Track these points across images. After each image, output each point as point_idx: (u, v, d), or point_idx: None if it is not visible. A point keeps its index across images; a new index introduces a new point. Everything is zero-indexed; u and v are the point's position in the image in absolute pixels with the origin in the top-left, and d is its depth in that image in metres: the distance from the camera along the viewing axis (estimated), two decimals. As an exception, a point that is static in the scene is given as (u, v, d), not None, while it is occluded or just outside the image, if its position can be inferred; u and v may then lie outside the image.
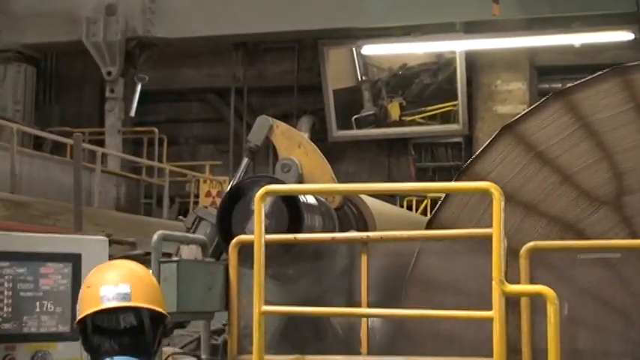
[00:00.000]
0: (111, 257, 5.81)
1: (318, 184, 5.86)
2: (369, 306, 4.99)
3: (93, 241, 5.75)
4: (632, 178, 5.25)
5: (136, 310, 3.74)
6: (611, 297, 5.11)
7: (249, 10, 17.26)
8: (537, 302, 4.47)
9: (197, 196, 18.44)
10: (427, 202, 17.13)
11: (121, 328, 3.74)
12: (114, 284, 3.75)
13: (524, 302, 4.78)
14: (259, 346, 4.35)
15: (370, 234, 5.46)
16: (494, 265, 4.00)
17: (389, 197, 13.62)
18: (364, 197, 6.48)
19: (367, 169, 19.73)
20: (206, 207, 6.64)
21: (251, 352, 4.44)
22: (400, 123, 19.21)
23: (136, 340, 3.74)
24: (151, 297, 3.80)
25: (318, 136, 18.81)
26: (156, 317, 3.82)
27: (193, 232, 6.18)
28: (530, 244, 4.82)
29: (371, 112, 19.29)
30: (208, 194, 18.07)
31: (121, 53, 17.89)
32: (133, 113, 18.20)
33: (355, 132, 19.37)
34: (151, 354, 3.82)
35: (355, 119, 19.34)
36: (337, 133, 19.24)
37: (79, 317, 3.75)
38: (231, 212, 5.63)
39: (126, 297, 3.72)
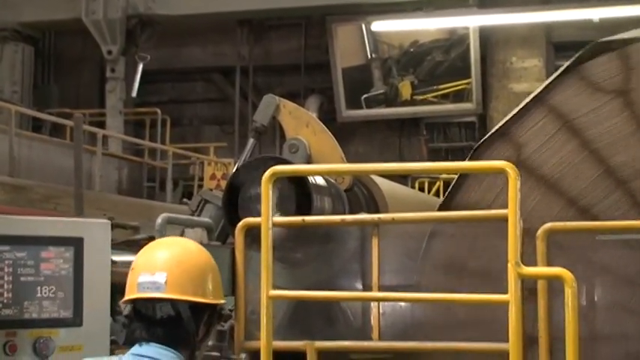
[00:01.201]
0: (113, 242, 5.94)
1: (326, 165, 5.75)
2: (382, 290, 4.95)
3: (95, 225, 5.80)
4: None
5: (172, 301, 3.67)
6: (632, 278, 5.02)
7: (254, -14, 17.12)
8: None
9: (201, 178, 18.30)
10: (440, 183, 16.83)
11: (157, 317, 3.69)
12: (151, 272, 3.70)
13: (541, 286, 4.67)
14: (267, 332, 4.21)
15: (381, 216, 5.35)
16: (510, 248, 3.90)
17: (400, 179, 13.48)
18: (375, 178, 6.39)
19: (377, 149, 19.56)
20: (211, 189, 6.73)
21: (259, 338, 4.29)
22: (411, 102, 19.02)
23: (172, 330, 3.69)
24: (189, 285, 3.71)
25: (327, 116, 18.62)
26: (198, 306, 3.72)
27: (198, 215, 6.19)
28: (547, 225, 4.71)
29: (381, 91, 19.10)
30: (213, 177, 17.94)
31: (122, 31, 17.83)
32: (134, 93, 18.18)
33: (365, 112, 19.21)
34: (194, 344, 3.75)
35: (365, 98, 19.15)
36: (346, 113, 19.08)
37: (123, 299, 3.74)
38: (238, 194, 5.54)
39: (160, 287, 3.67)
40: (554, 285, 4.57)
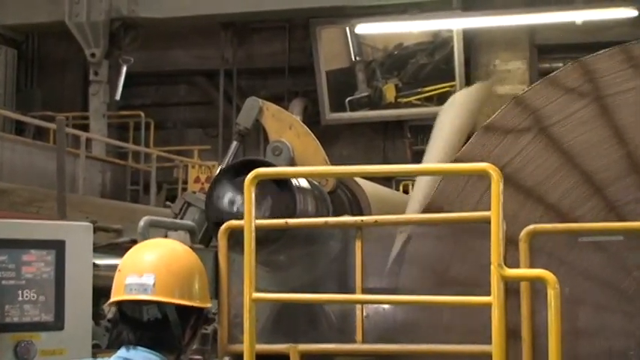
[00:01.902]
0: (95, 245, 5.91)
1: (310, 167, 5.81)
2: (365, 292, 4.96)
3: (77, 228, 5.75)
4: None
5: (160, 303, 3.63)
6: (614, 279, 5.11)
7: (238, -12, 17.06)
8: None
9: (185, 182, 18.29)
10: (424, 186, 16.74)
11: (144, 320, 3.64)
12: (138, 274, 3.66)
13: (524, 287, 4.73)
14: (250, 335, 4.21)
15: (364, 218, 5.40)
16: (493, 249, 3.91)
17: (385, 181, 13.42)
18: (359, 181, 6.40)
19: (362, 152, 19.55)
20: (194, 192, 6.67)
21: (242, 342, 4.30)
22: (396, 105, 19.00)
23: (159, 333, 3.65)
24: (177, 288, 3.68)
25: (311, 118, 18.57)
26: (185, 309, 3.68)
27: (181, 218, 6.22)
28: (530, 227, 4.76)
29: (365, 94, 19.07)
30: (197, 180, 17.89)
31: (105, 34, 17.69)
32: (118, 97, 18.11)
33: (349, 114, 19.16)
34: (180, 348, 3.71)
35: (349, 101, 19.12)
36: (330, 116, 19.03)
37: (109, 301, 3.71)
38: (221, 197, 5.59)
39: (148, 289, 3.62)
40: (536, 285, 4.59)
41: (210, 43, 20.00)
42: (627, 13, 15.71)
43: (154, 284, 3.61)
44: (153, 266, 3.66)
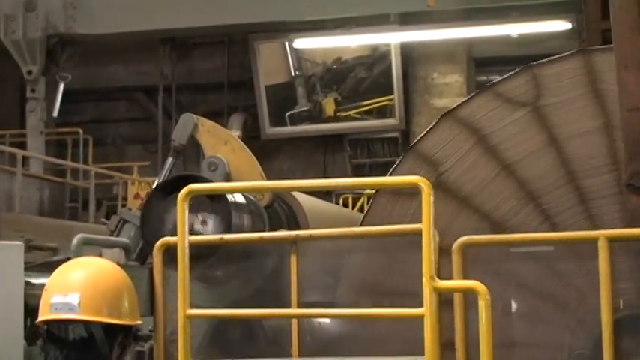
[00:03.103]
0: (28, 264, 5.68)
1: (245, 182, 5.80)
2: (303, 307, 5.02)
3: (7, 247, 5.46)
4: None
5: (86, 322, 3.65)
6: (545, 289, 5.23)
7: (176, 4, 16.97)
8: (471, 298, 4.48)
9: (125, 198, 18.08)
10: (364, 199, 16.83)
11: (70, 339, 3.68)
12: (64, 293, 3.68)
13: (457, 298, 4.82)
14: (185, 352, 4.25)
15: (299, 232, 5.42)
16: (425, 261, 3.98)
17: (325, 195, 13.43)
18: (297, 195, 6.37)
19: (302, 166, 19.47)
20: (130, 209, 6.63)
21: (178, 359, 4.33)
22: (335, 118, 19.02)
23: (85, 352, 3.67)
24: (104, 306, 3.71)
25: (251, 133, 18.54)
26: (112, 327, 3.71)
27: (117, 235, 6.25)
28: (463, 238, 4.85)
29: (305, 108, 19.06)
30: (137, 196, 17.69)
31: (42, 51, 17.49)
32: (55, 113, 17.86)
33: (289, 129, 19.13)
34: None
35: (289, 116, 19.08)
36: (270, 130, 18.96)
37: (36, 321, 3.74)
38: (156, 213, 5.65)
39: (73, 308, 3.64)
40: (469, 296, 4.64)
41: (149, 59, 19.86)
42: (561, 26, 15.92)
43: (79, 303, 3.62)
44: (79, 285, 3.67)
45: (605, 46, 5.64)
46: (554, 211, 5.37)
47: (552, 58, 5.65)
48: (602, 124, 5.45)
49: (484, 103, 5.56)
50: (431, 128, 5.59)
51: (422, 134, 5.62)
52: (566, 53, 5.69)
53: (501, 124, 5.51)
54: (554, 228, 5.31)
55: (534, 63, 5.68)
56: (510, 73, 5.65)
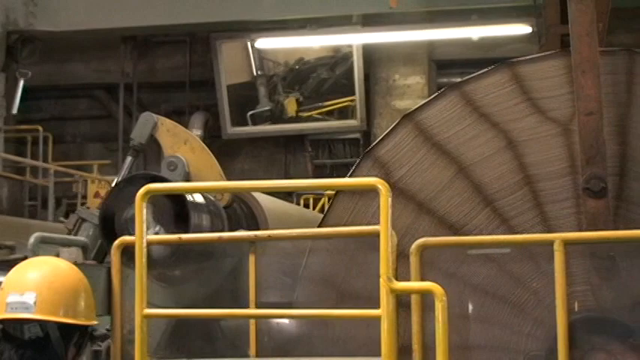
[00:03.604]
0: None
1: (204, 182, 5.82)
2: (261, 307, 5.04)
3: None
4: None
5: (41, 321, 3.64)
6: (502, 291, 5.25)
7: (138, 2, 16.83)
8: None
9: (85, 197, 17.96)
10: (325, 200, 16.87)
11: (25, 338, 3.65)
12: (20, 292, 3.66)
13: (414, 300, 4.84)
14: (142, 351, 4.25)
15: (258, 233, 5.47)
16: (382, 263, 3.99)
17: (286, 195, 13.44)
18: (258, 196, 6.36)
19: (263, 166, 19.50)
20: (88, 207, 6.59)
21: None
22: (297, 119, 19.01)
23: (41, 351, 3.64)
24: (60, 306, 3.69)
25: (212, 132, 18.58)
26: (68, 327, 3.70)
27: (75, 234, 6.22)
28: (420, 240, 4.88)
29: (267, 108, 19.04)
30: (97, 195, 17.58)
31: (2, 48, 17.27)
32: (15, 110, 17.67)
33: (251, 128, 19.10)
34: None
35: (250, 115, 19.05)
36: (232, 130, 18.91)
37: None
38: (115, 212, 5.62)
39: (29, 308, 3.62)
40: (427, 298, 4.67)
41: (111, 57, 19.77)
42: (521, 29, 15.99)
43: (35, 302, 3.60)
44: (35, 284, 3.66)
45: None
46: (511, 215, 5.41)
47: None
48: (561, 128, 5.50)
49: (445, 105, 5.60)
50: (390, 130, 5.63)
51: (381, 136, 5.65)
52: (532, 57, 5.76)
53: (457, 128, 5.55)
54: (511, 231, 5.36)
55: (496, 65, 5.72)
56: (472, 75, 5.69)
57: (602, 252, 5.15)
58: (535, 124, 5.50)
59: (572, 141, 5.37)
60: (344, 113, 18.77)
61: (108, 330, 5.14)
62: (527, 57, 5.73)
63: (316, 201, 17.33)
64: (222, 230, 5.77)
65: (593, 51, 5.25)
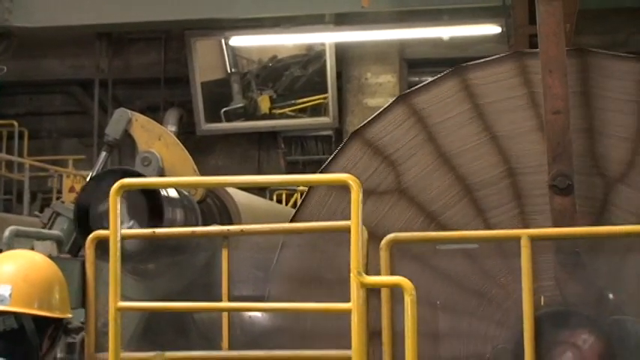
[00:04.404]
0: None
1: (177, 177, 5.89)
2: (234, 301, 5.07)
3: None
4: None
5: (16, 314, 3.66)
6: (471, 285, 5.34)
7: (114, -1, 16.82)
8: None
9: (60, 191, 17.94)
10: (297, 195, 16.95)
11: (0, 330, 3.67)
12: None
13: (384, 294, 4.88)
14: (115, 344, 4.30)
15: (230, 227, 5.49)
16: (353, 257, 4.05)
17: (259, 191, 13.50)
18: (232, 191, 6.43)
19: (237, 162, 19.48)
20: (63, 202, 6.61)
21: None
22: (270, 116, 19.02)
23: (16, 343, 3.65)
24: (35, 299, 3.72)
25: (186, 129, 18.56)
26: (42, 319, 3.73)
27: (50, 228, 6.23)
28: (391, 235, 4.94)
29: (240, 105, 19.02)
30: (72, 190, 17.56)
31: (-23, 43, 17.20)
32: (-11, 106, 17.59)
33: (224, 125, 19.07)
34: (37, 357, 3.74)
35: (224, 112, 19.04)
36: (206, 126, 18.90)
37: None
38: (89, 206, 5.62)
39: (4, 300, 3.65)
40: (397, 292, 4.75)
41: (86, 53, 19.71)
42: (492, 29, 16.09)
43: (10, 295, 3.66)
44: (10, 277, 3.70)
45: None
46: (488, 207, 5.49)
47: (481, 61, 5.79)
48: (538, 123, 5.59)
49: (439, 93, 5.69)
50: (378, 114, 5.72)
51: (362, 123, 5.72)
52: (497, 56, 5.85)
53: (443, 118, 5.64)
54: (486, 224, 5.45)
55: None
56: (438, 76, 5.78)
57: (568, 248, 5.24)
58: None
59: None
60: (316, 111, 18.80)
61: (82, 323, 5.19)
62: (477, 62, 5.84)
63: (289, 197, 17.41)
64: (195, 225, 5.79)
65: (561, 51, 5.34)
